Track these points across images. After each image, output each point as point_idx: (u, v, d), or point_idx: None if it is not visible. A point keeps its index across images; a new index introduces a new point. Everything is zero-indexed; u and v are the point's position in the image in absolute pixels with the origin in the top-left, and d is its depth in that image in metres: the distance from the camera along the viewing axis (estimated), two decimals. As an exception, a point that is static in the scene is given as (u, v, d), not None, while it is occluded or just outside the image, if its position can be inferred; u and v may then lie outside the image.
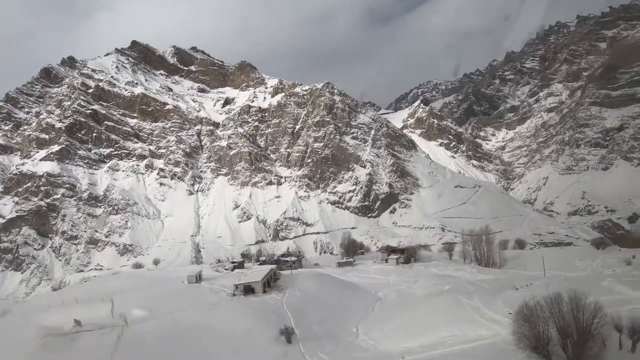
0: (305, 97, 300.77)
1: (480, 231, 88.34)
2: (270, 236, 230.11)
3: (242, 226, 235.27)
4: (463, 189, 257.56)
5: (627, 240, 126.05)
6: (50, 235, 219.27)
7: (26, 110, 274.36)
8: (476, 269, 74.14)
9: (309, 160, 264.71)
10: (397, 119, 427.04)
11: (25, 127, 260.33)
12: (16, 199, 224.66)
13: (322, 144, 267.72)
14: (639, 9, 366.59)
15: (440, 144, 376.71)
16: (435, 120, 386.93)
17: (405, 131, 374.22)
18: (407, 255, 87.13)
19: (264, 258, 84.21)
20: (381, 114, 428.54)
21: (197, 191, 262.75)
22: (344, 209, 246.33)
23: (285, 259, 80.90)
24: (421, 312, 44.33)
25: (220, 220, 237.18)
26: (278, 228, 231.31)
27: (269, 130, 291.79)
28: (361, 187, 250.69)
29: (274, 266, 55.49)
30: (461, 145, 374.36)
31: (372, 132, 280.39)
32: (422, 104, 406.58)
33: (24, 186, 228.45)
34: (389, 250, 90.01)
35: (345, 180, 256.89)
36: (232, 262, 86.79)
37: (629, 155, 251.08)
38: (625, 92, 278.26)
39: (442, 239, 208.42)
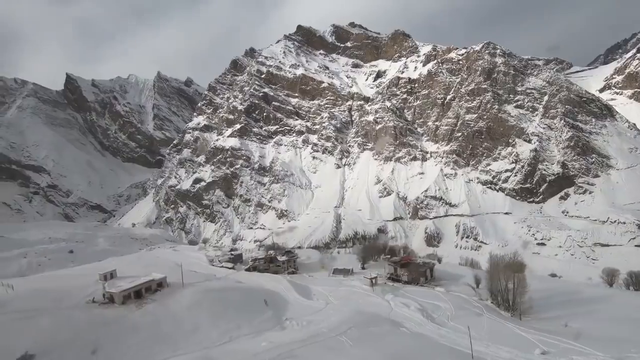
0: (461, 62, 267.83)
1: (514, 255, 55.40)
2: (409, 214, 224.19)
3: (382, 201, 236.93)
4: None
5: None
6: (233, 197, 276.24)
7: (221, 96, 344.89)
8: (459, 321, 44.43)
9: (459, 134, 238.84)
10: (598, 78, 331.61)
11: (220, 110, 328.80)
12: (212, 167, 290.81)
13: (475, 115, 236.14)
14: None
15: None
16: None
17: (605, 93, 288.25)
18: (416, 274, 62.75)
19: (271, 252, 78.65)
20: (571, 73, 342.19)
21: (344, 165, 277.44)
22: (497, 191, 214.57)
23: (279, 258, 72.34)
24: None
25: (362, 194, 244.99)
26: (418, 206, 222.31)
27: (417, 102, 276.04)
28: (522, 166, 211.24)
29: (160, 276, 51.32)
30: None
31: (546, 98, 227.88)
32: (638, 54, 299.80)
33: (217, 157, 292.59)
34: (400, 262, 66.34)
35: (502, 158, 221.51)
36: (231, 252, 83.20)
37: None
38: None
39: (636, 239, 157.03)
